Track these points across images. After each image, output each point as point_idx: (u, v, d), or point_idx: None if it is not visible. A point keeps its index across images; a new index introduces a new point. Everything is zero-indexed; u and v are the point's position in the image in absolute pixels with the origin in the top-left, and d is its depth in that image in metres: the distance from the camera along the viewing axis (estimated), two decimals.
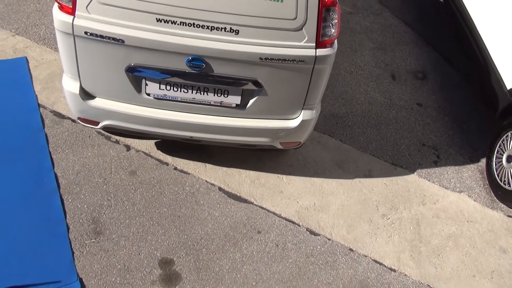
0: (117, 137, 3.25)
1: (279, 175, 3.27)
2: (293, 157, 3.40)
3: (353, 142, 3.61)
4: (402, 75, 4.27)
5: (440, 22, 4.93)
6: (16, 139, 3.08)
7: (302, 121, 2.69)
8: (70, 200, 2.88)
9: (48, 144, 3.12)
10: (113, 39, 2.26)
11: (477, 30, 3.87)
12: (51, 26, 3.91)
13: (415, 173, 3.50)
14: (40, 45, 3.74)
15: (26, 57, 3.62)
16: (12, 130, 3.13)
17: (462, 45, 4.22)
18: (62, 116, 3.30)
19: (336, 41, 2.47)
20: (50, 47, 3.75)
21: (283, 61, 2.37)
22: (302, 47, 2.36)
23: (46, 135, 3.17)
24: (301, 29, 2.31)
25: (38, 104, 3.33)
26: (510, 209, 3.40)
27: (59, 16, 2.25)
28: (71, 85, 2.53)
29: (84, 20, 2.23)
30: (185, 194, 3.05)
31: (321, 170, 3.36)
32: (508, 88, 3.41)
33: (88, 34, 2.26)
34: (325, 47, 2.40)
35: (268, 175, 3.26)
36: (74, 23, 2.24)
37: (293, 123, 2.70)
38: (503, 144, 3.41)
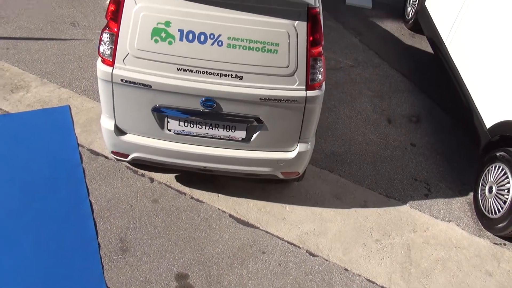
0: (143, 171, 3.77)
1: (283, 204, 3.70)
2: (296, 189, 3.83)
3: (350, 176, 4.03)
4: (398, 119, 4.73)
5: (433, 72, 5.45)
6: (59, 172, 3.64)
7: (299, 152, 3.16)
8: (101, 223, 3.36)
9: (84, 176, 3.66)
10: (143, 84, 2.84)
11: (461, 77, 4.35)
12: (90, 79, 4.59)
13: (407, 204, 3.86)
14: (81, 96, 4.39)
15: (69, 105, 4.26)
16: (56, 164, 3.70)
17: (451, 91, 4.69)
18: (97, 154, 3.86)
19: (323, 84, 2.99)
20: (89, 97, 4.40)
21: (279, 101, 2.89)
22: (295, 89, 2.88)
23: (83, 169, 3.72)
24: (293, 75, 2.84)
25: (78, 144, 3.91)
26: (496, 237, 3.70)
27: (102, 68, 2.86)
28: (107, 123, 3.10)
29: (121, 70, 2.83)
30: (199, 220, 3.49)
31: (321, 201, 3.77)
32: (487, 127, 3.83)
33: (124, 81, 2.85)
34: (314, 89, 2.91)
35: (273, 204, 3.68)
36: (113, 72, 2.83)
37: (291, 154, 3.17)
38: (486, 177, 3.78)
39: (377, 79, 5.24)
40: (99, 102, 4.20)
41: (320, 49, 2.86)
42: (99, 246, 3.22)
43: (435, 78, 5.37)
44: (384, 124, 4.65)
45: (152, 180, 3.72)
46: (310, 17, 2.75)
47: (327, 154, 4.20)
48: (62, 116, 4.15)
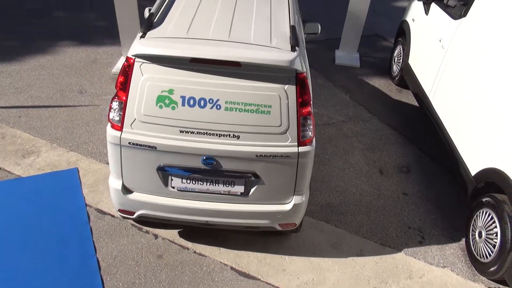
0: (147, 228, 3.95)
1: (282, 256, 3.84)
2: (294, 240, 3.99)
3: (346, 226, 4.20)
4: (389, 170, 4.97)
5: (420, 124, 5.75)
6: (67, 231, 3.82)
7: (294, 204, 3.37)
8: (108, 279, 3.50)
9: (92, 234, 3.83)
10: (149, 146, 3.10)
11: (445, 128, 4.64)
12: (97, 143, 4.88)
13: (402, 251, 4.01)
14: (88, 158, 4.66)
15: (77, 168, 4.51)
16: (65, 224, 3.88)
17: (437, 141, 4.96)
18: (103, 213, 4.06)
19: (314, 140, 3.25)
20: (96, 159, 4.66)
21: (274, 157, 3.14)
22: (288, 146, 3.14)
23: (91, 227, 3.90)
24: (286, 132, 3.11)
25: (85, 204, 4.12)
26: (491, 281, 3.81)
27: (111, 132, 3.13)
28: (115, 183, 3.33)
29: (129, 134, 3.10)
30: (202, 273, 3.63)
31: (319, 251, 3.92)
32: (472, 174, 4.06)
33: (131, 144, 3.11)
34: (305, 145, 3.17)
35: (272, 256, 3.83)
36: (121, 136, 3.10)
37: (287, 206, 3.38)
38: (475, 222, 3.95)
39: (368, 133, 5.54)
40: (106, 163, 4.49)
41: (309, 108, 3.15)
42: None
43: (422, 129, 5.67)
44: (377, 175, 4.88)
45: (156, 236, 3.89)
46: (299, 81, 3.06)
47: (322, 206, 4.39)
48: (70, 178, 4.38)
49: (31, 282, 3.39)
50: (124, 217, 3.62)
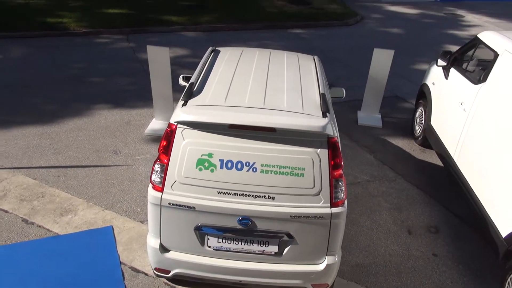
0: (180, 287, 4.01)
1: None
2: None
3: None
4: (417, 230, 4.99)
5: (446, 183, 5.80)
6: None
7: (327, 265, 3.43)
8: None
9: None
10: (187, 207, 3.26)
11: (472, 189, 4.70)
12: (131, 201, 5.06)
13: None
14: (122, 216, 4.83)
15: (112, 226, 4.67)
16: (101, 282, 3.98)
17: (465, 201, 4.99)
18: (137, 271, 4.16)
19: (346, 201, 3.37)
20: (130, 217, 4.82)
21: (308, 218, 3.26)
22: (321, 207, 3.26)
23: (125, 286, 3.99)
24: (319, 194, 3.24)
25: (120, 262, 4.23)
26: None
27: (152, 193, 3.31)
28: (153, 242, 3.47)
29: (169, 195, 3.28)
30: None
31: None
32: (503, 236, 4.06)
33: (171, 204, 3.28)
34: (337, 206, 3.29)
35: None
36: (162, 197, 3.28)
37: (320, 266, 3.44)
38: (509, 285, 3.90)
39: (394, 193, 5.61)
40: (139, 222, 4.65)
41: (341, 171, 3.30)
42: None
43: (448, 189, 5.71)
44: (405, 235, 4.90)
45: None
46: (330, 145, 3.24)
47: (352, 266, 4.41)
48: (105, 236, 4.53)
49: None
50: (159, 276, 3.70)
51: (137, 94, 7.71)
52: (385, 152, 6.51)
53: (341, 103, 7.81)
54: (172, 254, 3.47)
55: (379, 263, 4.48)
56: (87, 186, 5.27)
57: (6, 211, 4.78)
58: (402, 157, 6.45)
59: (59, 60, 9.13)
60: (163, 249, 3.48)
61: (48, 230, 4.57)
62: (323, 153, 3.22)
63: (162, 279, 4.02)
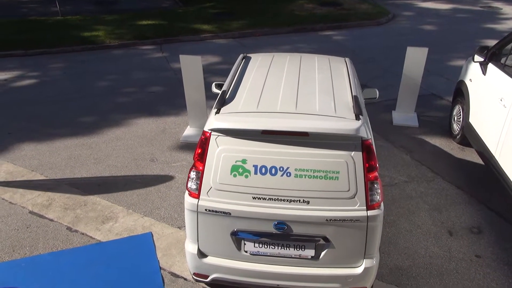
0: None
1: None
2: None
3: None
4: (459, 231, 4.85)
5: (487, 182, 5.62)
6: None
7: (365, 268, 3.39)
8: None
9: None
10: (223, 212, 3.31)
11: None
12: (168, 208, 5.18)
13: None
14: (161, 223, 4.95)
15: (151, 232, 4.79)
16: (141, 286, 4.09)
17: (509, 201, 4.82)
18: (177, 276, 4.25)
19: (382, 203, 3.33)
20: (168, 223, 4.94)
21: (344, 221, 3.24)
22: (357, 210, 3.23)
23: None
24: (354, 197, 3.22)
25: (160, 267, 4.33)
26: None
27: (189, 200, 3.39)
28: (191, 248, 3.54)
29: (205, 201, 3.34)
30: None
31: None
32: None
33: (207, 210, 3.34)
34: (374, 209, 3.26)
35: None
36: (198, 204, 3.35)
37: (358, 270, 3.41)
38: None
39: (433, 193, 5.48)
40: (177, 228, 4.75)
41: (376, 173, 3.27)
42: None
43: (489, 188, 5.52)
44: (446, 236, 4.77)
45: None
46: (364, 147, 3.21)
47: (391, 269, 4.33)
48: (145, 242, 4.66)
49: None
50: (197, 281, 3.77)
51: (172, 103, 7.89)
52: (422, 152, 6.37)
53: (375, 104, 7.70)
54: (210, 259, 3.53)
55: (419, 265, 4.39)
56: (126, 194, 5.44)
57: (52, 220, 4.99)
58: (440, 156, 6.29)
59: (96, 73, 9.46)
60: (201, 254, 3.54)
61: (91, 237, 4.74)
62: (357, 155, 3.20)
63: (201, 283, 4.09)
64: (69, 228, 4.87)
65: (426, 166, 6.04)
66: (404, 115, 7.33)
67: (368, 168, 3.22)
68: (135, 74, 9.34)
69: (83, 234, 4.79)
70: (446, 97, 8.02)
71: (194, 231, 3.48)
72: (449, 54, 10.21)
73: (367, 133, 3.23)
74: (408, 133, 6.90)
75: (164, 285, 4.14)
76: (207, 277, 3.61)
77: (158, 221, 4.98)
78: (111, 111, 7.68)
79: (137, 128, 7.07)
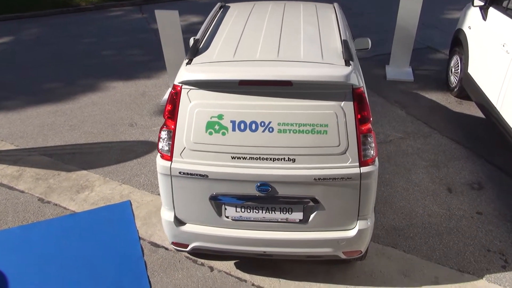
0: (202, 260, 3.78)
1: (348, 286, 3.53)
2: (360, 269, 3.67)
3: (416, 251, 3.83)
4: (458, 188, 4.55)
5: (487, 136, 5.30)
6: (121, 267, 3.72)
7: (359, 230, 3.08)
8: None
9: (146, 269, 3.71)
10: (200, 175, 2.96)
11: None
12: (148, 174, 4.83)
13: (483, 278, 3.57)
14: (140, 190, 4.61)
15: (130, 201, 4.46)
16: (119, 259, 3.79)
17: (511, 153, 4.50)
18: (157, 246, 3.94)
19: (376, 159, 2.98)
20: (148, 191, 4.60)
21: (334, 180, 2.90)
22: (348, 167, 2.89)
23: (145, 262, 3.78)
24: (345, 152, 2.87)
25: (139, 237, 4.02)
26: None
27: (161, 163, 3.02)
28: (167, 215, 3.20)
29: (179, 164, 2.98)
30: None
31: (388, 280, 3.57)
32: None
33: (182, 173, 2.98)
34: (367, 165, 2.91)
35: (337, 286, 3.53)
36: (171, 166, 2.98)
37: (351, 232, 3.10)
38: None
39: (430, 149, 5.15)
40: (158, 195, 4.40)
41: (369, 125, 2.90)
42: None
43: (490, 141, 5.21)
44: (445, 193, 4.48)
45: (212, 268, 3.71)
46: (356, 96, 2.83)
47: (388, 230, 4.05)
48: (123, 211, 4.33)
49: None
50: (178, 250, 3.47)
51: (152, 65, 7.41)
52: (418, 107, 6.01)
53: (367, 59, 7.29)
54: (188, 227, 3.21)
55: (417, 225, 4.10)
56: (103, 161, 5.07)
57: (22, 191, 4.64)
58: (437, 110, 5.93)
59: (71, 37, 8.91)
60: (179, 222, 3.22)
61: (64, 208, 4.40)
62: (348, 106, 2.83)
63: (184, 253, 3.80)
64: (41, 200, 4.52)
65: (422, 121, 5.69)
66: (398, 69, 6.93)
67: (361, 119, 2.86)
68: (113, 37, 8.80)
69: (56, 205, 4.44)
70: (444, 50, 7.60)
71: (169, 197, 3.14)
72: (446, 5, 9.70)
73: (358, 80, 2.84)
74: (403, 88, 6.51)
75: (143, 256, 3.84)
76: (187, 246, 3.30)
77: (137, 189, 4.64)
78: (87, 76, 7.20)
79: (115, 93, 6.62)
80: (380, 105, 6.06)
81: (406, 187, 4.57)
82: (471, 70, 5.53)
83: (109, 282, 3.59)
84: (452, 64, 6.26)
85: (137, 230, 4.10)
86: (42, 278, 3.63)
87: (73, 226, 4.17)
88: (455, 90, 6.14)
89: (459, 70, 5.98)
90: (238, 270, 3.68)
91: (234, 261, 3.76)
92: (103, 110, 6.14)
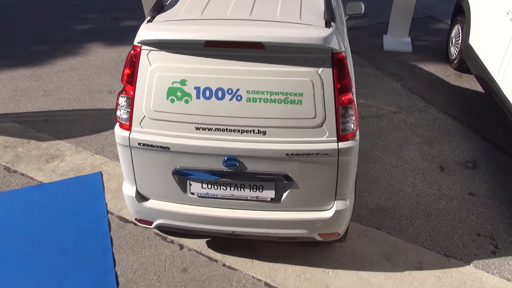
0: (172, 238, 3.54)
1: (325, 269, 3.30)
2: (340, 250, 3.44)
3: (401, 234, 3.58)
4: (451, 166, 4.27)
5: (486, 111, 4.98)
6: (86, 242, 3.49)
7: (336, 211, 2.82)
8: None
9: (112, 245, 3.48)
10: (161, 147, 2.67)
11: None
12: None
13: (471, 264, 3.34)
14: (113, 161, 4.34)
15: (101, 172, 4.19)
16: (84, 233, 3.56)
17: (510, 131, 4.20)
18: (126, 221, 3.70)
19: (357, 133, 2.69)
20: None
21: (309, 155, 2.61)
22: (325, 142, 2.59)
23: (111, 237, 3.55)
24: (322, 125, 2.57)
25: (107, 211, 3.78)
26: None
27: (119, 133, 2.73)
28: (129, 190, 2.94)
29: (138, 134, 2.69)
30: None
31: (369, 263, 3.34)
32: None
33: (141, 144, 2.70)
34: (346, 140, 2.62)
35: (314, 269, 3.30)
36: (130, 136, 2.70)
37: (328, 213, 2.83)
38: None
39: (424, 124, 4.85)
40: None
41: (350, 95, 2.59)
42: None
43: (489, 118, 4.90)
44: (436, 172, 4.20)
45: (181, 246, 3.48)
46: (336, 62, 2.51)
47: (372, 209, 3.80)
48: (93, 183, 4.07)
49: None
50: (144, 227, 3.22)
51: (136, 30, 7.00)
52: (415, 79, 5.66)
53: (365, 28, 6.89)
54: (151, 203, 2.94)
55: (404, 205, 3.84)
56: (77, 130, 4.78)
57: None
58: (434, 84, 5.59)
59: None
60: (141, 197, 2.95)
61: (31, 178, 4.14)
62: (326, 73, 2.51)
63: (154, 229, 3.56)
64: (7, 168, 4.26)
65: (418, 94, 5.36)
66: (396, 39, 6.53)
67: (340, 89, 2.54)
68: None
69: (22, 175, 4.19)
70: (445, 20, 7.18)
71: (130, 170, 2.87)
72: None
73: (339, 44, 2.51)
74: (400, 59, 6.14)
75: (110, 231, 3.60)
76: (151, 223, 3.05)
77: (110, 159, 4.37)
78: (68, 39, 6.82)
79: (96, 58, 6.27)
80: (374, 76, 5.72)
81: (396, 165, 4.29)
82: (472, 41, 5.16)
83: (72, 257, 3.37)
84: (453, 35, 5.87)
85: (106, 204, 3.85)
86: (1, 250, 3.41)
87: (38, 197, 3.92)
88: (455, 62, 5.77)
89: (460, 41, 5.60)
90: (210, 249, 3.45)
91: (206, 239, 3.52)
92: (82, 76, 5.81)
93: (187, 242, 3.50)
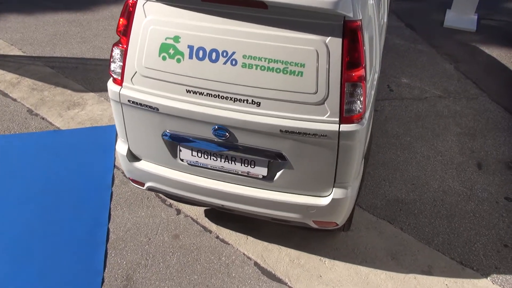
0: (172, 201, 3.43)
1: (322, 258, 3.06)
2: (342, 240, 3.17)
3: (415, 232, 3.24)
4: (491, 165, 3.79)
5: None
6: (86, 193, 3.47)
7: (333, 199, 2.54)
8: (113, 255, 3.07)
9: (110, 201, 3.44)
10: (150, 107, 2.50)
11: None
12: None
13: (488, 278, 2.95)
14: None
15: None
16: (87, 185, 3.54)
17: None
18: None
19: (366, 116, 2.37)
20: None
21: (305, 135, 2.33)
22: (325, 122, 2.30)
23: (112, 193, 3.50)
24: (323, 103, 2.27)
25: (114, 165, 3.73)
26: None
27: (111, 87, 2.59)
28: (121, 148, 2.82)
29: (129, 90, 2.53)
30: (219, 265, 3.02)
31: (371, 259, 3.05)
32: None
33: (131, 102, 2.54)
34: (351, 122, 2.31)
35: (309, 256, 3.07)
36: (121, 92, 2.55)
37: (324, 201, 2.57)
38: None
39: (471, 114, 4.33)
40: None
41: (362, 72, 2.26)
42: (103, 281, 2.91)
43: None
44: (472, 169, 3.75)
45: (178, 212, 3.37)
46: (348, 32, 2.18)
47: (389, 201, 3.46)
48: (106, 136, 4.03)
49: (32, 244, 3.10)
50: (137, 187, 3.12)
51: None
52: (472, 63, 5.06)
53: (426, 0, 6.23)
54: (142, 164, 2.82)
55: (427, 201, 3.47)
56: (103, 80, 4.74)
57: (14, 100, 4.45)
58: (494, 70, 4.97)
59: None
60: (133, 157, 2.83)
61: (50, 123, 4.17)
62: (335, 43, 2.18)
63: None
64: (29, 111, 4.31)
65: (472, 80, 4.79)
66: (460, 15, 5.86)
67: (349, 63, 2.22)
68: None
69: (43, 119, 4.22)
70: None
71: (122, 128, 2.74)
72: None
73: (354, 11, 2.16)
74: (460, 38, 5.51)
75: (112, 186, 3.56)
76: (143, 184, 2.93)
77: None
78: None
79: None
80: (427, 55, 5.17)
81: (427, 155, 3.87)
82: None
83: (70, 206, 3.37)
84: None
85: (115, 158, 3.80)
86: (3, 190, 3.47)
87: (51, 143, 3.94)
88: None
89: None
90: (206, 218, 3.31)
91: (205, 208, 3.38)
92: None
93: (185, 208, 3.39)
